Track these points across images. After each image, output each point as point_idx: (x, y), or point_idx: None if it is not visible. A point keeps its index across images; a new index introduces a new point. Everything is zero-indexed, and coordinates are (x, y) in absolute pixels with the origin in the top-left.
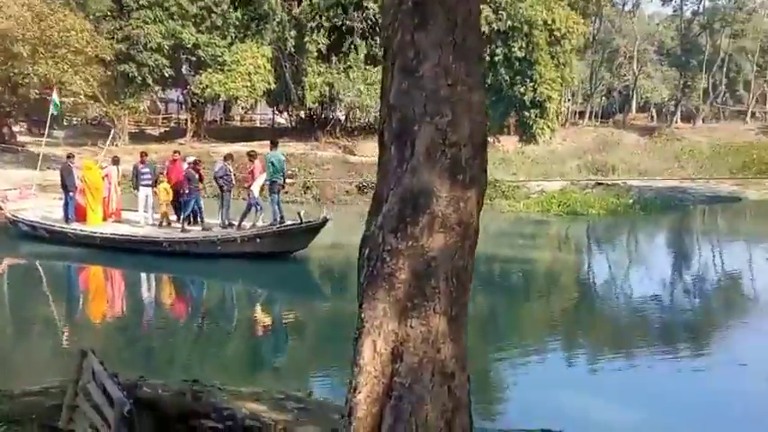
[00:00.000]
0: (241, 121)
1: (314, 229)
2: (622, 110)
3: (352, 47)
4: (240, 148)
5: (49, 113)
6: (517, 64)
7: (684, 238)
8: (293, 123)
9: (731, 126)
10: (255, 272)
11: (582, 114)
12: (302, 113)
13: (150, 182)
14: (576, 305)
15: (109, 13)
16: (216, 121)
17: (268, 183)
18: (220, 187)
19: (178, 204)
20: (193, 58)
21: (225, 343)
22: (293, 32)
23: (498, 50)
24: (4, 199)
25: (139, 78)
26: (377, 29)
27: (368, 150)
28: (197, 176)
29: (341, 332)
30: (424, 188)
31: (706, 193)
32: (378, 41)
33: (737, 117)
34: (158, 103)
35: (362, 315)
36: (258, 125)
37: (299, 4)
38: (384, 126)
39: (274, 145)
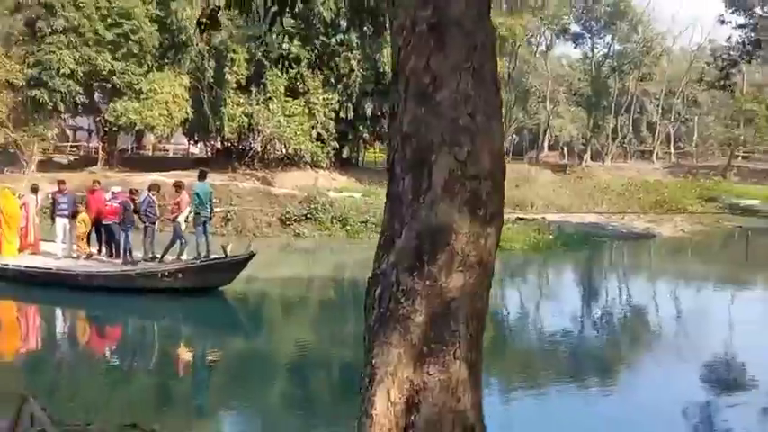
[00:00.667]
0: (153, 150)
1: (239, 264)
2: (532, 148)
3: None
4: (157, 177)
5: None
6: None
7: (604, 273)
8: (210, 154)
9: (638, 165)
10: (176, 308)
11: None
12: (219, 144)
13: (68, 212)
14: (499, 339)
15: (21, 38)
16: (127, 150)
17: (193, 215)
18: (145, 219)
19: (99, 236)
20: (108, 86)
21: (149, 382)
22: (212, 63)
23: None
24: None
25: (50, 105)
26: (323, 58)
27: (286, 182)
28: (132, 206)
29: (265, 370)
30: (443, 223)
31: (622, 229)
32: (308, 73)
33: (642, 157)
34: (67, 131)
35: (373, 361)
36: (171, 155)
37: (203, 30)
38: (395, 156)
39: (202, 176)
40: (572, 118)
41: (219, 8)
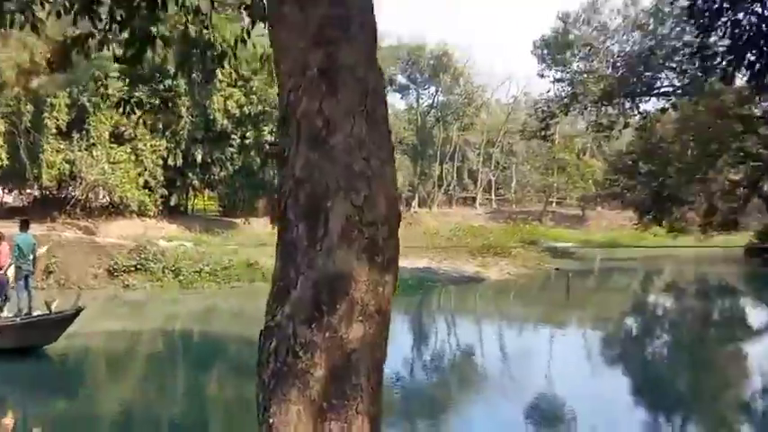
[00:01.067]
0: None
1: (66, 320)
2: None
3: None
4: None
5: None
6: (267, 147)
7: (434, 318)
8: (26, 203)
9: (462, 211)
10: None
11: None
12: (36, 192)
13: None
14: None
15: None
16: None
17: (14, 268)
18: None
19: None
20: None
21: None
22: (29, 107)
23: (249, 133)
24: None
25: None
26: (167, 103)
27: (111, 231)
28: None
29: None
30: (342, 271)
31: (453, 273)
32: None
33: (465, 203)
34: None
35: (271, 420)
36: None
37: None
38: (288, 202)
39: (24, 226)
40: (398, 166)
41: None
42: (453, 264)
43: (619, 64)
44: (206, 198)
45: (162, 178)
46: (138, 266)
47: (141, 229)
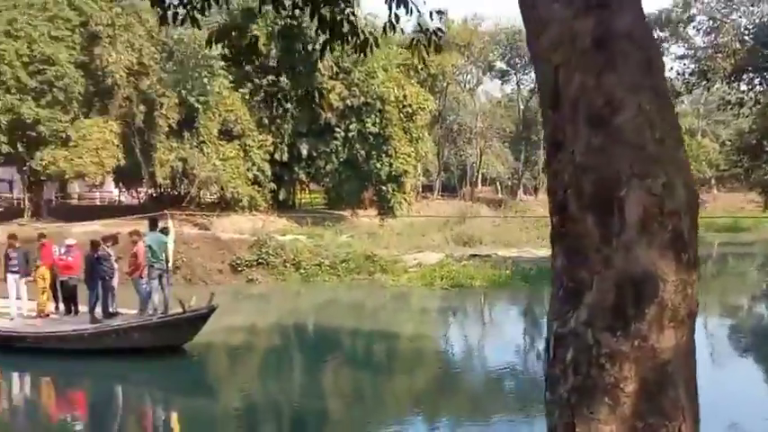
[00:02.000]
0: (79, 199)
1: (201, 319)
2: (461, 184)
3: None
4: (98, 227)
5: None
6: (371, 139)
7: None
8: (142, 201)
9: None
10: (132, 370)
11: (426, 189)
12: (152, 191)
13: (18, 268)
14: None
15: None
16: (51, 200)
17: (148, 267)
18: (102, 273)
19: (55, 292)
20: (33, 134)
21: None
22: (142, 107)
23: (353, 126)
24: None
25: None
26: (309, 95)
27: (223, 227)
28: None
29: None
30: (646, 271)
31: None
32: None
33: None
34: None
35: None
36: (98, 203)
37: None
38: (568, 192)
39: (153, 225)
40: (498, 153)
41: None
42: None
43: (747, 37)
44: (311, 192)
45: (269, 173)
46: (260, 261)
47: (252, 223)
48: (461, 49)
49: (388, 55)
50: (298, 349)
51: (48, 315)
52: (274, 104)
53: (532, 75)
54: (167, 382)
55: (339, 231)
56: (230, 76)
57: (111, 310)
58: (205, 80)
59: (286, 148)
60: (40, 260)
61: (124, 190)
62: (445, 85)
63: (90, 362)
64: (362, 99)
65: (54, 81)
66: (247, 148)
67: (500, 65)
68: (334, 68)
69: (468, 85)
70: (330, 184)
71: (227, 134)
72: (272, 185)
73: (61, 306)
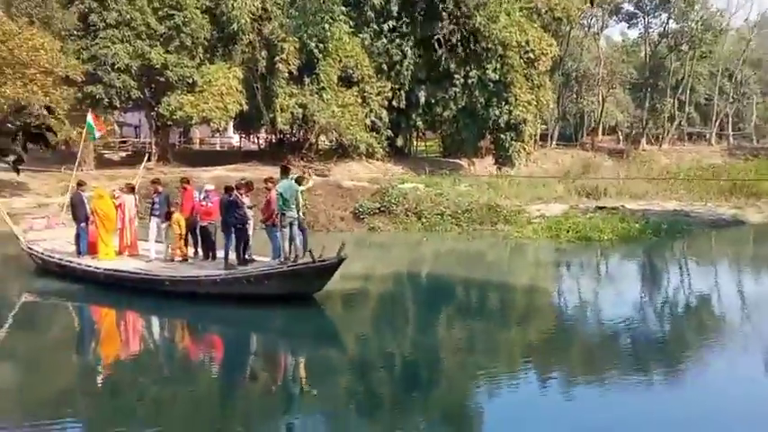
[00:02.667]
0: (200, 144)
1: (330, 269)
2: (578, 133)
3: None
4: (221, 172)
5: (82, 141)
6: (491, 86)
7: (710, 265)
8: (261, 147)
9: (696, 148)
10: (262, 317)
11: (542, 137)
12: (271, 137)
13: (159, 212)
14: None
15: (75, 32)
16: (174, 145)
17: (278, 215)
18: (235, 221)
19: (195, 238)
20: (161, 80)
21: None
22: (264, 53)
23: (472, 72)
24: (28, 228)
25: (106, 100)
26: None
27: (342, 173)
28: (244, 204)
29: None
30: None
31: (709, 216)
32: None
33: (697, 140)
34: (116, 127)
35: None
36: (218, 149)
37: None
38: None
39: (284, 172)
40: (618, 101)
41: None
42: (705, 205)
43: None
44: (426, 140)
45: (387, 120)
46: (382, 209)
47: (368, 171)
48: None
49: None
50: (416, 300)
51: (185, 258)
52: (393, 50)
53: (663, 17)
54: (295, 329)
55: (457, 180)
56: (350, 22)
57: (245, 256)
58: (326, 25)
59: (404, 95)
60: (181, 204)
61: (244, 136)
62: (568, 29)
63: (222, 307)
64: (483, 44)
65: (181, 26)
66: (366, 94)
67: (628, 7)
68: (455, 12)
69: (591, 29)
70: (447, 132)
71: (346, 80)
72: (389, 132)
73: (200, 251)
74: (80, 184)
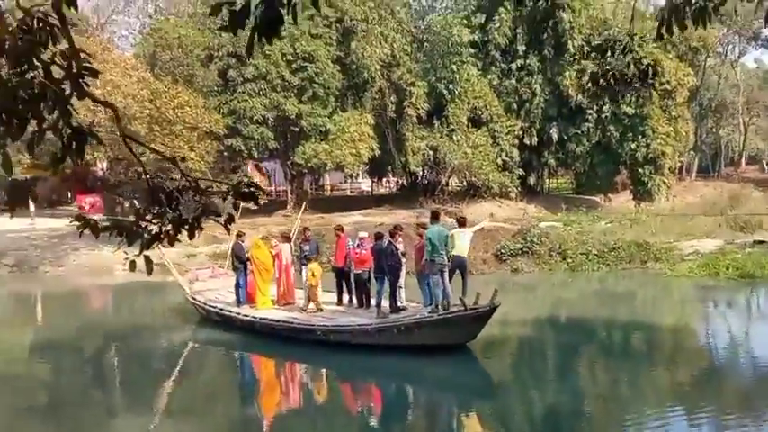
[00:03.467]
0: (331, 190)
1: (483, 317)
2: (715, 163)
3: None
4: (359, 218)
5: None
6: (626, 119)
7: None
8: (394, 191)
9: None
10: (419, 368)
11: (680, 170)
12: (402, 180)
13: (311, 258)
14: None
15: (215, 88)
16: (308, 192)
17: (428, 262)
18: (387, 267)
19: (348, 286)
20: (296, 129)
21: None
22: (393, 98)
23: (606, 107)
24: (194, 278)
25: (246, 152)
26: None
27: (476, 213)
28: (398, 250)
29: None
30: None
31: None
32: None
33: None
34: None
35: None
36: (349, 194)
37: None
38: None
39: (435, 217)
40: (758, 129)
41: None
42: None
43: None
44: (558, 177)
45: (518, 158)
46: (525, 249)
47: (502, 211)
48: (723, 17)
49: (643, 28)
50: (569, 344)
51: (320, 308)
52: (522, 88)
53: None
54: (448, 380)
55: (595, 217)
56: (478, 63)
57: (398, 304)
58: (454, 67)
59: (535, 132)
60: (335, 252)
61: (375, 180)
62: (704, 57)
63: (375, 357)
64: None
65: (314, 77)
66: (496, 134)
67: (766, 32)
68: (585, 48)
69: (728, 56)
70: (581, 168)
71: (475, 121)
72: (521, 171)
73: (354, 299)
74: (239, 234)
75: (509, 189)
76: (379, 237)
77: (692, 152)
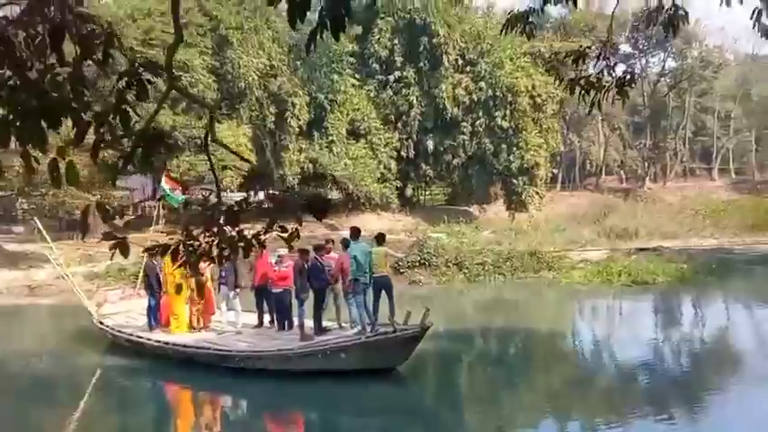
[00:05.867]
0: None
1: (413, 339)
2: (570, 175)
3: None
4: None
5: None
6: (500, 132)
7: None
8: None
9: (698, 184)
10: (345, 396)
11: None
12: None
13: (226, 281)
14: None
15: None
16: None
17: (351, 281)
18: (316, 284)
19: (269, 305)
20: (170, 142)
21: None
22: (272, 109)
23: (480, 120)
24: (103, 301)
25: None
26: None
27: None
28: (324, 268)
29: None
30: None
31: (751, 253)
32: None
33: (699, 175)
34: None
35: None
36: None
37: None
38: None
39: (355, 234)
40: (617, 140)
41: None
42: (743, 241)
43: None
44: (432, 188)
45: (395, 170)
46: (422, 261)
47: (380, 222)
48: (585, 33)
49: (512, 43)
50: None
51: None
52: (399, 100)
53: (661, 56)
54: (371, 404)
55: (477, 228)
56: (356, 75)
57: (322, 324)
58: (334, 77)
59: (412, 144)
60: (255, 270)
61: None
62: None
63: (298, 383)
64: (490, 92)
65: (189, 88)
66: (374, 146)
67: (624, 48)
68: (459, 62)
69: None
70: (456, 180)
71: (354, 133)
72: (399, 183)
73: (268, 319)
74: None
75: (390, 200)
76: (303, 253)
77: (558, 164)
